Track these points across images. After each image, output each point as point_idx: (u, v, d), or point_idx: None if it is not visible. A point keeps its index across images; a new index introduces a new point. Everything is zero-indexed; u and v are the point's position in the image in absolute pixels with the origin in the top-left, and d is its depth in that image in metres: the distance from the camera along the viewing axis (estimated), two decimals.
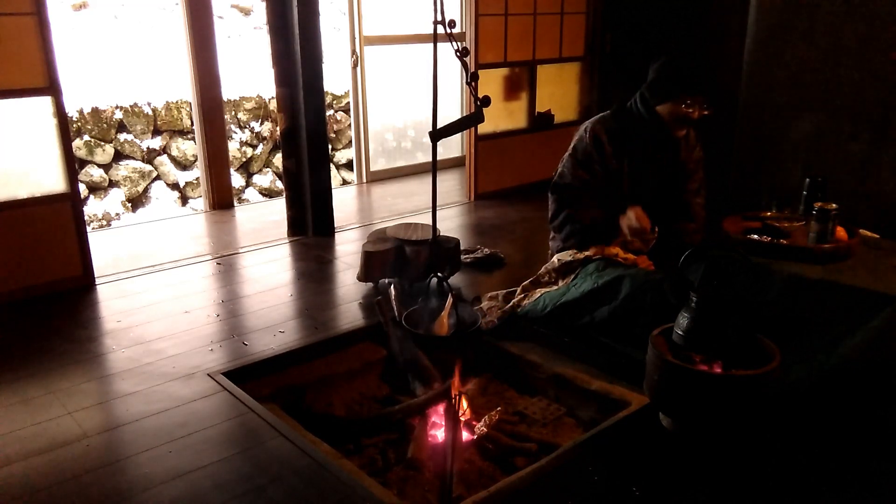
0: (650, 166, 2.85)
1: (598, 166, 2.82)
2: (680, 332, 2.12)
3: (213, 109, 4.86)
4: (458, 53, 2.05)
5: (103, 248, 4.09)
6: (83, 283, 3.52)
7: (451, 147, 6.37)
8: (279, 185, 7.38)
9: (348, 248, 4.13)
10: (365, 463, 2.23)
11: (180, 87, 6.80)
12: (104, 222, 6.50)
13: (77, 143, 6.43)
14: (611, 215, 2.84)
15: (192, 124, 5.45)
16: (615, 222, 2.84)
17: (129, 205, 6.76)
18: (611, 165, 2.82)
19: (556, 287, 2.90)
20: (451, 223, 4.66)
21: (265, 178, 7.51)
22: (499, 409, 2.44)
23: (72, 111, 6.32)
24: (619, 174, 2.83)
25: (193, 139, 6.70)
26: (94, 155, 6.57)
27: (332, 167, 7.48)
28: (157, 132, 6.96)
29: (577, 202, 2.87)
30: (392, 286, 2.92)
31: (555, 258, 3.00)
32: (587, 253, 2.84)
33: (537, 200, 5.06)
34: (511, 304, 2.99)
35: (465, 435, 2.32)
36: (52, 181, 3.38)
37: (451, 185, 5.65)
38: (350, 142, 6.92)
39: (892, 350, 2.26)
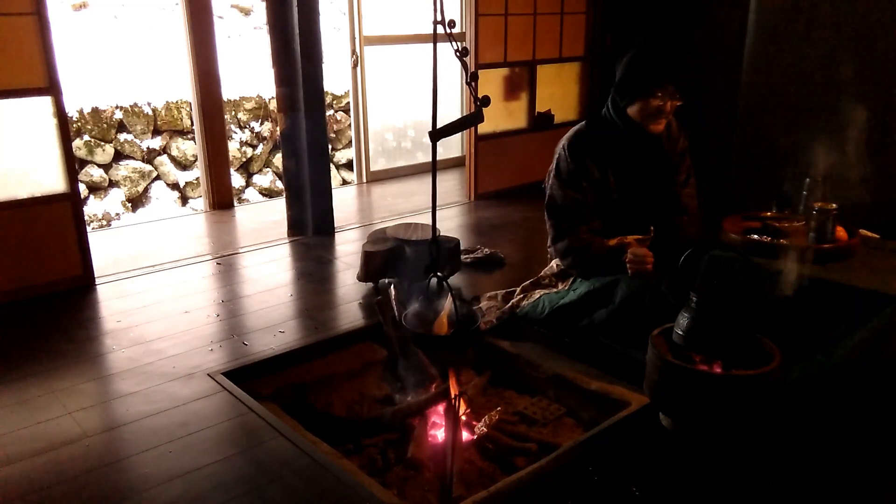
0: (635, 169, 2.79)
1: (585, 182, 2.75)
2: (680, 332, 2.12)
3: (213, 109, 4.85)
4: (457, 53, 2.05)
5: (103, 248, 4.09)
6: (83, 283, 3.52)
7: (451, 147, 6.37)
8: (279, 185, 7.38)
9: (348, 248, 4.13)
10: (365, 463, 2.23)
11: (180, 87, 6.79)
12: (104, 222, 6.50)
13: (77, 143, 6.43)
14: (607, 227, 2.80)
15: (192, 124, 5.45)
16: (611, 232, 2.80)
17: (129, 205, 6.76)
18: (594, 178, 2.75)
19: (555, 290, 2.89)
20: (451, 223, 4.66)
21: (265, 178, 7.51)
22: (499, 409, 2.44)
23: (72, 111, 6.32)
24: (605, 183, 2.76)
25: (193, 139, 6.70)
26: (94, 155, 6.57)
27: (332, 167, 7.48)
28: (157, 132, 6.96)
29: (575, 228, 2.77)
30: (392, 286, 2.91)
31: (553, 263, 3.00)
32: None
33: (537, 200, 5.03)
34: (510, 304, 2.99)
35: (465, 435, 2.32)
36: (52, 181, 3.38)
37: (451, 185, 5.65)
38: (350, 142, 6.92)
39: (892, 350, 2.26)
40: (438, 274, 2.28)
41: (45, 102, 3.28)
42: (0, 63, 3.12)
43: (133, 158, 6.82)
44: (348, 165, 7.64)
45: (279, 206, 4.71)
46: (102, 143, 6.62)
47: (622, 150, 2.77)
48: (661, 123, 2.71)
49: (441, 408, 2.42)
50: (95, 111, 6.57)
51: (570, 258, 2.81)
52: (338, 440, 2.30)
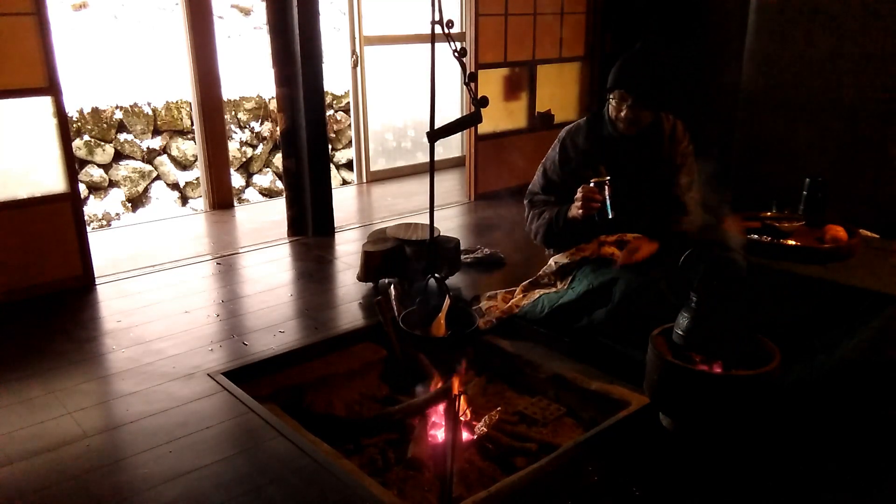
0: (628, 167, 2.78)
1: (569, 176, 2.84)
2: (680, 332, 2.12)
3: (213, 109, 4.85)
4: (455, 54, 2.05)
5: (103, 248, 4.09)
6: (83, 283, 3.52)
7: (451, 147, 6.37)
8: (279, 185, 7.38)
9: (348, 248, 4.13)
10: (365, 463, 2.23)
11: (180, 87, 6.80)
12: (104, 222, 6.51)
13: (77, 143, 6.43)
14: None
15: (192, 124, 5.45)
16: (609, 230, 2.81)
17: (129, 205, 6.76)
18: (581, 174, 2.78)
19: (554, 289, 2.89)
20: (451, 223, 4.66)
21: (265, 178, 7.51)
22: (499, 409, 2.44)
23: (72, 111, 6.32)
24: (584, 180, 2.75)
25: (193, 139, 6.70)
26: (94, 155, 6.57)
27: (332, 167, 7.48)
28: (157, 132, 6.96)
29: (541, 204, 2.96)
30: (392, 286, 2.92)
31: (552, 261, 3.00)
32: (584, 254, 2.83)
33: None
34: (510, 304, 2.99)
35: (465, 435, 2.32)
36: (52, 181, 3.38)
37: (451, 185, 5.64)
38: (350, 142, 6.92)
39: (893, 350, 2.26)
40: (436, 275, 2.28)
41: (45, 102, 3.28)
42: (0, 63, 3.13)
43: (133, 158, 6.82)
44: (348, 165, 7.64)
45: (279, 206, 4.71)
46: (102, 143, 6.62)
47: (616, 147, 2.81)
48: (627, 125, 2.74)
49: (441, 408, 2.42)
50: (95, 111, 6.57)
51: (533, 225, 2.96)
52: (338, 440, 2.30)
